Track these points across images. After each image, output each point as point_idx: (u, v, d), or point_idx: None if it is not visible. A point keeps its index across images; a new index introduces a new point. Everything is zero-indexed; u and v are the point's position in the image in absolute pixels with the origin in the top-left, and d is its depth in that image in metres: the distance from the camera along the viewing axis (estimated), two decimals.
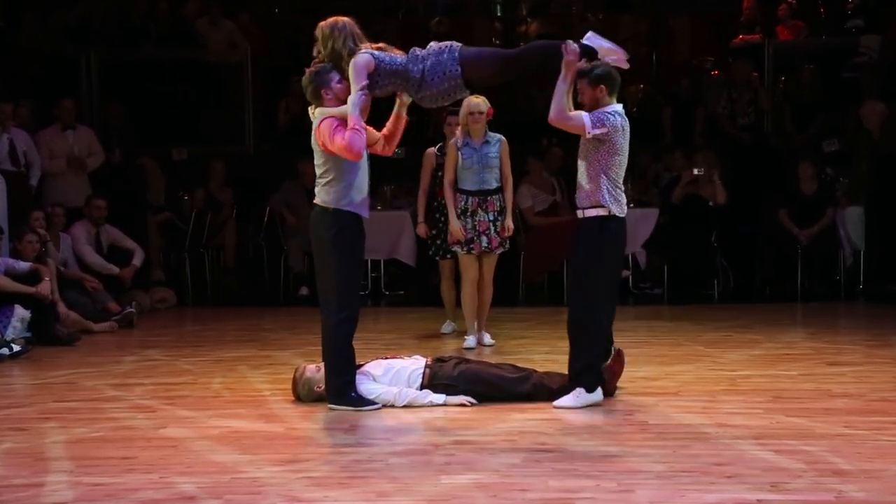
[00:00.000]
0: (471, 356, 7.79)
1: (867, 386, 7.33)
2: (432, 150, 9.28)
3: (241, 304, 11.44)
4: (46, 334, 9.20)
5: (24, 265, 9.42)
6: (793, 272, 11.28)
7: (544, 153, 11.78)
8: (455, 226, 8.56)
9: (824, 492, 5.06)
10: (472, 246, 8.61)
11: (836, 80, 12.50)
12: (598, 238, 6.67)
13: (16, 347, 8.65)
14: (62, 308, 9.56)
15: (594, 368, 6.74)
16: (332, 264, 6.70)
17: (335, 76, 6.62)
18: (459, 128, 8.62)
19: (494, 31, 14.46)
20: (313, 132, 6.66)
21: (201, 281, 11.89)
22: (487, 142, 8.61)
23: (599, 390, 6.73)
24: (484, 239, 8.61)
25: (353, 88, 6.51)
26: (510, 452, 5.79)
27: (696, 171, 11.32)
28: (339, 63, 6.61)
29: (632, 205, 10.20)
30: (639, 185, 11.73)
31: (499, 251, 8.75)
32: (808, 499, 4.98)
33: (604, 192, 6.63)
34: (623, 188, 6.78)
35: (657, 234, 11.27)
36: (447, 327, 9.43)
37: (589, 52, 6.57)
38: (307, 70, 6.71)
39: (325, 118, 6.58)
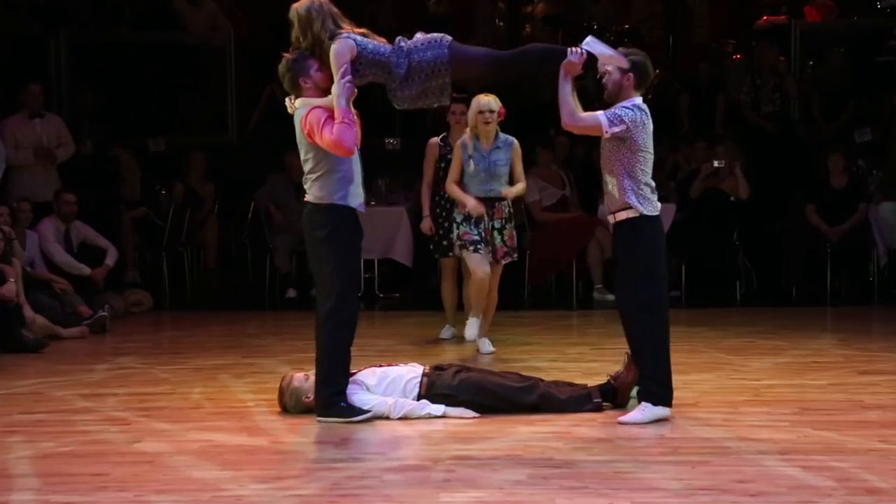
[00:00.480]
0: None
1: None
2: (435, 140, 9.24)
3: (223, 307, 11.44)
4: (11, 340, 9.20)
5: None
6: (822, 273, 11.29)
7: (552, 144, 11.78)
8: (472, 202, 8.43)
9: None
10: (480, 246, 8.51)
11: (869, 64, 12.51)
12: (633, 241, 6.70)
13: None
14: (28, 312, 9.57)
15: (660, 380, 6.73)
16: (327, 264, 6.71)
17: (314, 64, 6.62)
18: (468, 129, 8.56)
19: (498, 12, 14.49)
20: (298, 124, 6.65)
21: (180, 282, 11.90)
22: (498, 147, 8.55)
23: (666, 406, 6.72)
24: (489, 248, 8.55)
25: (336, 77, 6.50)
26: (515, 468, 5.79)
27: (716, 164, 11.32)
28: (318, 48, 6.59)
29: None
30: (654, 178, 11.71)
31: (505, 261, 8.73)
32: None
33: (630, 194, 6.64)
34: (653, 185, 6.80)
35: (674, 232, 11.24)
36: (446, 332, 9.42)
37: (589, 58, 6.61)
38: (284, 57, 6.71)
39: (313, 108, 6.57)
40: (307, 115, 6.56)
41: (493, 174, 8.51)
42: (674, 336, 9.08)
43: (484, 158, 8.47)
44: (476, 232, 8.49)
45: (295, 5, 6.65)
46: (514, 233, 8.80)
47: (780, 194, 11.73)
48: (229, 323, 10.61)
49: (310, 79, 6.60)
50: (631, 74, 6.67)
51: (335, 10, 6.60)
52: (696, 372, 8.13)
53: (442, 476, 5.68)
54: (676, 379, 7.78)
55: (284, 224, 11.50)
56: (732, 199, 11.42)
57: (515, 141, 8.59)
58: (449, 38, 6.66)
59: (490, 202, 8.53)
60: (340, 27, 6.59)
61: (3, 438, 6.53)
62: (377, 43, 6.65)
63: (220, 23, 12.99)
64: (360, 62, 6.55)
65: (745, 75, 12.58)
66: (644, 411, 6.65)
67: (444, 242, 9.09)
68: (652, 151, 6.79)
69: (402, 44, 6.62)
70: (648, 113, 6.71)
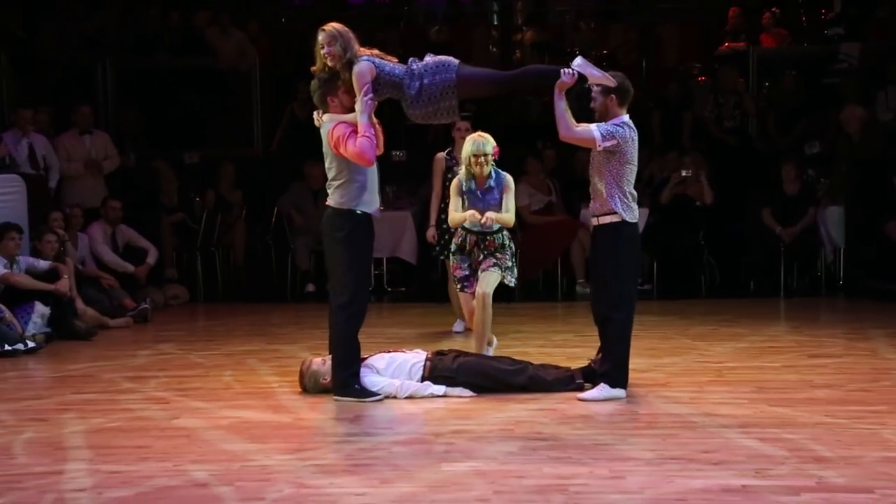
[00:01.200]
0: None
1: (847, 377, 7.34)
2: (441, 154, 9.01)
3: (250, 300, 11.44)
4: (65, 329, 9.22)
5: (43, 264, 9.44)
6: (776, 269, 11.28)
7: (540, 155, 11.77)
8: (470, 211, 7.66)
9: (806, 478, 5.08)
10: (467, 284, 7.78)
11: (818, 85, 12.50)
12: (613, 243, 6.72)
13: (31, 343, 8.66)
14: (80, 304, 9.57)
15: (620, 366, 6.76)
16: (343, 263, 6.73)
17: (342, 85, 6.62)
18: (463, 166, 7.84)
19: (491, 39, 14.45)
20: (325, 136, 6.66)
21: (212, 278, 11.89)
22: (491, 188, 7.67)
23: (623, 388, 6.74)
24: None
25: (358, 95, 6.52)
26: (507, 441, 5.80)
27: (683, 173, 11.33)
28: (347, 67, 6.60)
29: None
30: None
31: (493, 271, 7.67)
32: (790, 484, 4.99)
33: (616, 201, 6.66)
34: (635, 194, 6.82)
35: (647, 233, 11.22)
36: (458, 326, 9.28)
37: (580, 78, 6.63)
38: (316, 75, 6.71)
39: (339, 123, 6.59)
40: (333, 128, 6.58)
41: (486, 211, 7.66)
42: (646, 324, 9.15)
43: (479, 199, 7.65)
44: (466, 265, 7.79)
45: (330, 25, 6.63)
46: (510, 256, 7.79)
47: (740, 199, 11.72)
48: (255, 314, 10.61)
49: (336, 97, 6.61)
50: (614, 95, 6.70)
51: (352, 35, 6.62)
52: (667, 356, 8.14)
53: (443, 448, 5.69)
54: (649, 362, 7.82)
55: (304, 226, 11.50)
56: (698, 203, 11.42)
57: (508, 177, 7.81)
58: (456, 62, 6.63)
59: (482, 236, 7.73)
60: (357, 52, 6.61)
61: (59, 415, 6.56)
62: (392, 65, 6.66)
63: (247, 50, 12.97)
64: (378, 82, 6.57)
65: (708, 95, 12.57)
66: (602, 390, 6.69)
67: (445, 244, 8.73)
68: (636, 164, 6.82)
69: (414, 66, 6.62)
70: (635, 129, 6.75)
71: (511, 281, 7.78)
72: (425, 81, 6.56)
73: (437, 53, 6.79)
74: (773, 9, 13.21)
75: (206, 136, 12.68)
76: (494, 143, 7.61)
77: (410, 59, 6.69)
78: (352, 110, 6.58)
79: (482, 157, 7.61)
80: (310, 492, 4.99)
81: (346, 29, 6.63)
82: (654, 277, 11.48)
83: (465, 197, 7.75)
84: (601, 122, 6.71)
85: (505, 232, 7.72)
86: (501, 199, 7.68)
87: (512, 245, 7.82)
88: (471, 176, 7.69)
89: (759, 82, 12.79)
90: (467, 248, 7.79)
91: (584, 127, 6.65)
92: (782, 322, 9.79)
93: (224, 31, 12.95)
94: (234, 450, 5.71)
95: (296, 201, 11.70)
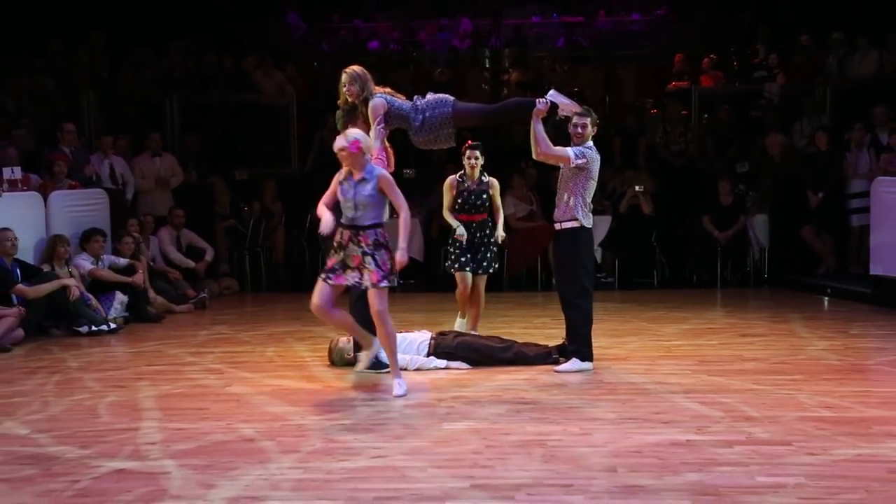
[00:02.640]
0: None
1: (770, 352, 7.35)
2: (453, 177, 7.89)
3: (288, 290, 11.42)
4: (140, 314, 9.23)
5: (122, 261, 9.45)
6: (714, 265, 11.28)
7: (524, 173, 11.76)
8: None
9: (737, 433, 5.10)
10: (332, 275, 6.27)
11: (747, 117, 12.50)
12: (574, 245, 6.73)
13: (112, 325, 8.68)
14: (152, 293, 9.58)
15: (586, 343, 6.77)
16: None
17: (359, 116, 6.65)
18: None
19: (484, 79, 14.42)
20: None
21: (258, 273, 11.88)
22: (365, 180, 6.28)
23: (591, 361, 6.76)
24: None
25: (373, 124, 6.54)
26: (496, 405, 5.81)
27: (637, 188, 11.39)
28: (364, 102, 6.61)
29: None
30: (596, 198, 11.70)
31: (383, 285, 6.22)
32: (725, 439, 5.00)
33: (578, 210, 6.69)
34: (591, 206, 6.86)
35: (610, 236, 11.26)
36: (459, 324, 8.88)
37: (553, 105, 6.66)
38: (341, 108, 6.74)
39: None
40: None
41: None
42: (608, 310, 9.15)
43: (352, 188, 6.19)
44: (339, 258, 6.28)
45: (352, 67, 6.66)
46: (389, 258, 6.22)
47: (685, 208, 11.70)
48: (292, 302, 10.59)
49: (356, 126, 6.61)
50: (594, 127, 6.80)
51: (369, 75, 6.64)
52: (626, 336, 8.14)
53: (445, 411, 5.70)
54: (611, 340, 7.82)
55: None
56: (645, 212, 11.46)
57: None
58: (452, 99, 6.69)
59: (356, 231, 6.22)
60: (373, 90, 6.63)
61: (134, 382, 6.58)
62: (401, 101, 6.70)
63: (285, 88, 12.95)
64: (389, 115, 6.59)
65: (659, 124, 12.54)
66: (574, 364, 6.72)
67: (463, 258, 7.71)
68: (597, 180, 6.85)
69: (418, 102, 6.66)
70: (598, 152, 6.82)
71: (394, 282, 6.29)
72: (427, 115, 6.61)
73: (437, 92, 6.82)
74: (711, 55, 13.21)
75: (252, 157, 12.61)
76: (356, 137, 6.12)
77: (415, 97, 6.72)
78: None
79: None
80: (337, 446, 4.99)
81: (365, 71, 6.66)
82: (615, 272, 11.46)
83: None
84: (577, 145, 6.74)
85: (379, 230, 6.25)
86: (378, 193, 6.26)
87: (388, 244, 6.27)
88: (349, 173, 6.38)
89: (700, 114, 12.77)
90: (343, 242, 6.30)
91: (560, 148, 6.69)
92: (719, 308, 9.78)
93: (267, 73, 12.94)
94: (275, 411, 5.72)
95: None
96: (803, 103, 12.19)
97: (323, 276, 6.34)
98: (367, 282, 6.14)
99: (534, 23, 14.64)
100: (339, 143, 6.13)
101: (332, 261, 6.34)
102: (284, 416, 5.62)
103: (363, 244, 6.17)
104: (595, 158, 6.73)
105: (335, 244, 6.33)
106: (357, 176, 6.19)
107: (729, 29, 13.68)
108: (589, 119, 6.79)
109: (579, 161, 6.63)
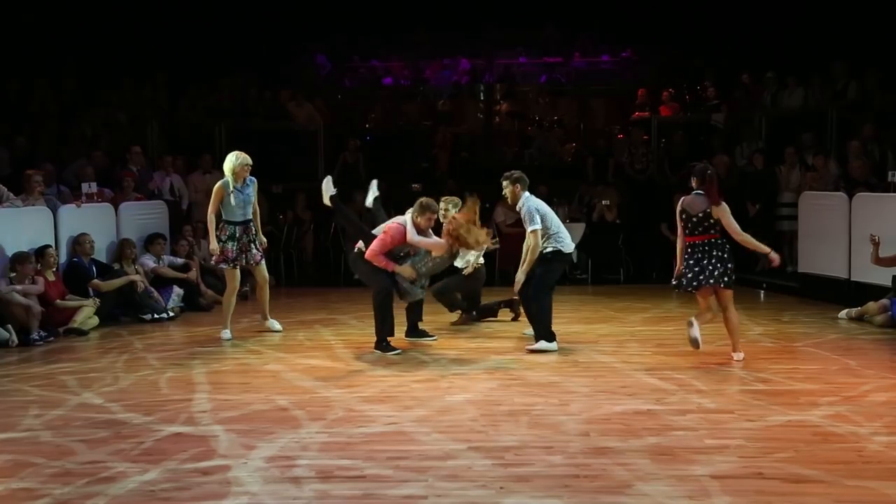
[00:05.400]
0: None
1: (716, 336, 7.29)
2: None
3: (316, 285, 11.43)
4: (193, 304, 9.22)
5: (179, 260, 9.46)
6: (670, 264, 11.18)
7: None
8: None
9: (689, 404, 5.11)
10: (235, 262, 7.53)
11: (697, 141, 12.50)
12: (551, 260, 6.74)
13: (171, 314, 8.68)
14: (203, 287, 9.55)
15: (548, 329, 6.74)
16: (373, 271, 6.80)
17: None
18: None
19: (479, 109, 14.37)
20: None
21: (291, 270, 11.88)
22: (247, 184, 7.62)
23: (555, 342, 6.73)
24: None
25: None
26: (490, 380, 5.82)
27: (604, 202, 11.40)
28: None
29: (567, 220, 10.25)
30: (574, 208, 11.71)
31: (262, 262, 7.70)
32: (679, 408, 5.01)
33: (549, 244, 6.72)
34: (558, 231, 6.77)
35: (584, 240, 11.25)
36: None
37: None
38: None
39: (394, 225, 6.77)
40: (390, 226, 6.81)
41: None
42: (581, 301, 9.14)
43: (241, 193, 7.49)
44: (235, 248, 7.46)
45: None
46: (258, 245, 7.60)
47: (646, 217, 11.69)
48: (320, 294, 10.62)
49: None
50: (518, 185, 6.75)
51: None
52: (597, 323, 8.13)
53: (446, 385, 5.71)
54: (585, 327, 7.81)
55: (352, 236, 11.44)
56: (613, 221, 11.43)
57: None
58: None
59: (245, 225, 7.52)
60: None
61: (189, 361, 6.59)
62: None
63: (314, 117, 12.91)
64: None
65: (625, 147, 12.50)
66: (540, 345, 6.67)
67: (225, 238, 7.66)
68: (551, 214, 6.81)
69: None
70: (536, 199, 6.83)
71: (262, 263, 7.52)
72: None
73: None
74: (668, 90, 13.22)
75: (286, 174, 12.60)
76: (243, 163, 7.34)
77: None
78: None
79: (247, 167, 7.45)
80: (356, 414, 5.00)
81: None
82: (588, 270, 11.44)
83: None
84: (513, 204, 6.76)
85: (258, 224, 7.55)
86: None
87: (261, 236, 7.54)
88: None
89: (658, 139, 12.76)
90: (237, 234, 7.45)
91: (529, 228, 6.69)
92: (674, 300, 9.74)
93: (299, 104, 12.93)
94: (305, 386, 5.73)
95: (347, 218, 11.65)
96: (743, 130, 12.17)
97: (232, 265, 7.36)
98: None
99: (521, 62, 14.61)
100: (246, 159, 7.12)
101: (230, 252, 7.34)
102: (313, 389, 5.62)
103: (248, 234, 7.41)
104: (537, 207, 6.70)
105: (226, 236, 7.32)
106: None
107: (683, 69, 13.68)
108: (520, 179, 6.74)
109: (535, 226, 6.64)
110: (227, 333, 7.53)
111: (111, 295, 8.41)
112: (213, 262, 7.53)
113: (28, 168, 8.88)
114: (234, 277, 7.60)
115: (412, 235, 6.60)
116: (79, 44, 12.81)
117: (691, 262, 6.22)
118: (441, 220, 7.02)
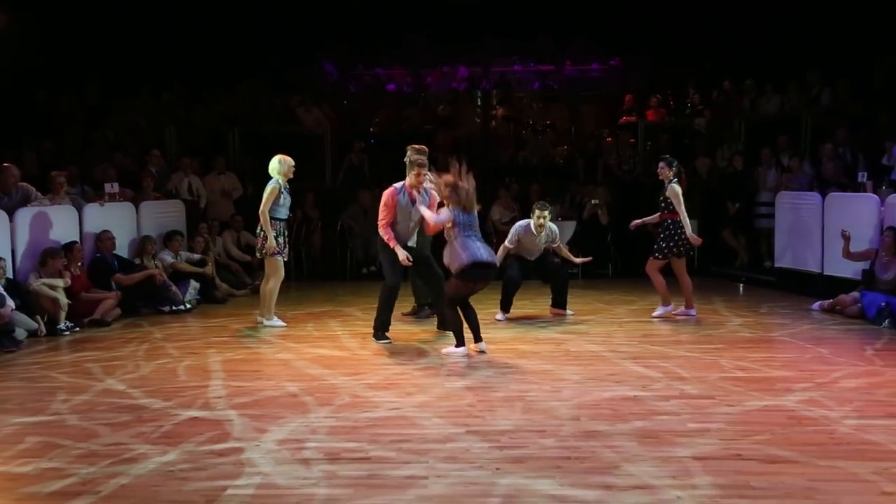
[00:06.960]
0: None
1: (699, 326, 7.37)
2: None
3: (324, 279, 11.44)
4: (209, 297, 9.22)
5: (196, 256, 9.45)
6: None
7: (508, 187, 11.74)
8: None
9: (673, 390, 5.11)
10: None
11: (681, 144, 12.50)
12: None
13: (188, 306, 8.69)
14: (218, 281, 9.57)
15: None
16: (386, 260, 6.81)
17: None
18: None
19: (476, 114, 14.37)
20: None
21: (300, 265, 11.88)
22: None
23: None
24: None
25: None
26: (487, 369, 5.82)
27: (593, 202, 11.39)
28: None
29: (559, 218, 10.25)
30: (566, 207, 11.71)
31: None
32: (663, 394, 5.02)
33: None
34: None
35: (575, 237, 11.25)
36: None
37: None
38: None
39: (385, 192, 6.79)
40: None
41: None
42: (575, 294, 9.13)
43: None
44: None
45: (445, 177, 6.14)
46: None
47: (634, 214, 11.64)
48: (328, 288, 10.62)
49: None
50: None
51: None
52: (588, 315, 8.14)
53: (446, 372, 5.71)
54: (577, 318, 7.80)
55: (358, 233, 11.48)
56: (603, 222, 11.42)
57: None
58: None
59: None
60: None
61: (205, 350, 6.59)
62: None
63: (321, 121, 12.92)
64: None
65: (613, 149, 12.52)
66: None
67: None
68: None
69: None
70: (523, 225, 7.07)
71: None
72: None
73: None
74: (655, 96, 13.21)
75: (295, 174, 12.58)
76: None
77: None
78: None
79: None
80: (361, 400, 5.01)
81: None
82: (579, 265, 11.42)
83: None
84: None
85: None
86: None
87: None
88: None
89: (645, 142, 12.76)
90: (283, 230, 7.71)
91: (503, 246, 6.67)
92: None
93: (307, 109, 12.92)
94: (313, 373, 5.74)
95: (352, 217, 11.67)
96: (724, 134, 12.19)
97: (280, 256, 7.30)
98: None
99: (516, 70, 14.61)
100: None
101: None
102: (321, 377, 5.63)
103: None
104: (519, 230, 6.90)
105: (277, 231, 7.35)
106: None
107: (668, 76, 13.68)
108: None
109: (511, 245, 6.72)
110: (277, 321, 7.57)
111: (132, 288, 8.42)
112: (267, 254, 7.51)
113: (54, 170, 8.90)
114: (281, 268, 7.63)
115: (422, 208, 6.52)
116: (102, 55, 12.92)
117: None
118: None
